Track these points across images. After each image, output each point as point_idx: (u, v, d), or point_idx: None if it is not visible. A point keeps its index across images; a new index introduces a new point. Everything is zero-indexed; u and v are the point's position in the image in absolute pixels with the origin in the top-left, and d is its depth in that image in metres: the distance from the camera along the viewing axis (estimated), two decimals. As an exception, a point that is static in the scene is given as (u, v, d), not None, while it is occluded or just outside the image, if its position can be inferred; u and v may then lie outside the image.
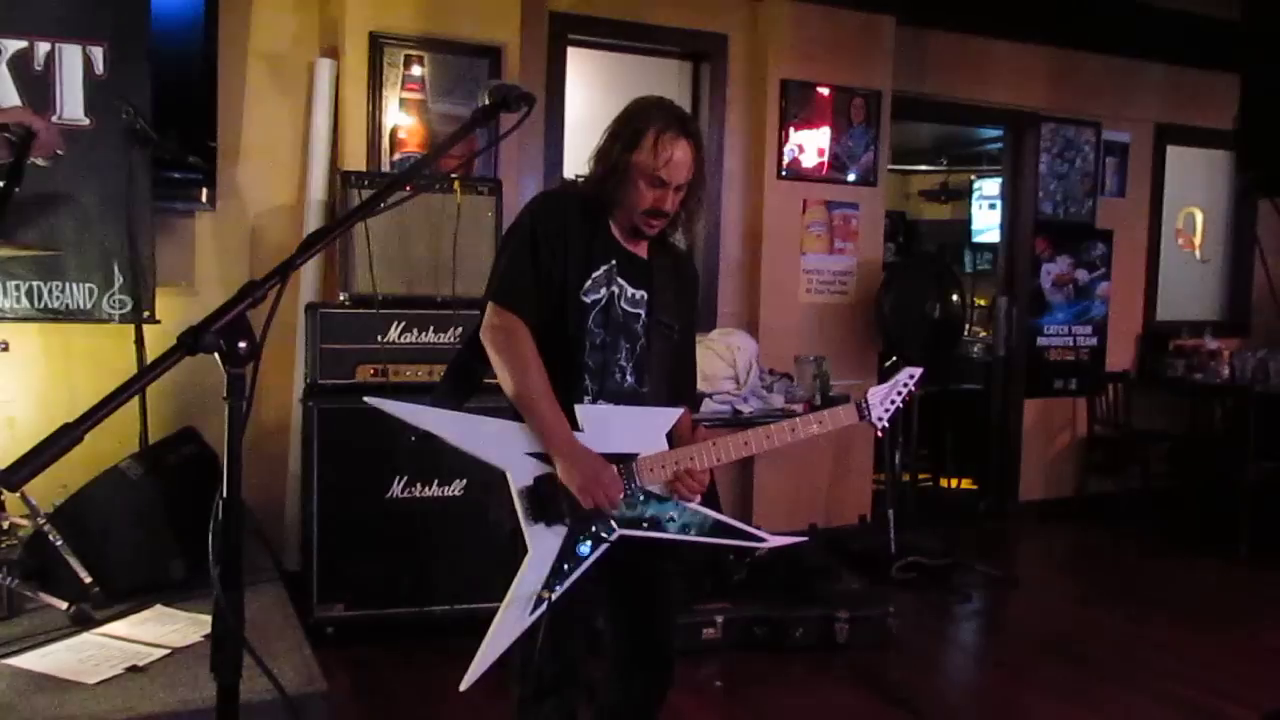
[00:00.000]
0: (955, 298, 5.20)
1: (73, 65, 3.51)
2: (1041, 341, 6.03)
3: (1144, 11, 5.76)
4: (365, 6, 4.03)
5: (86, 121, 3.53)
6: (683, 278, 2.25)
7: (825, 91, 5.09)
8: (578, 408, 2.02)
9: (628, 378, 2.11)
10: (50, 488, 3.02)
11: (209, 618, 1.35)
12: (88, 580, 2.74)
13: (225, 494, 1.29)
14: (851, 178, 5.22)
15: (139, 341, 3.54)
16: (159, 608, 2.83)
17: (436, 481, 3.59)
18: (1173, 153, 6.43)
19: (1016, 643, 4.20)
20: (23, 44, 3.46)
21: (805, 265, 5.15)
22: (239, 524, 1.30)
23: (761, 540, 2.15)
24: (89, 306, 3.56)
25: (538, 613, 1.92)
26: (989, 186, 7.63)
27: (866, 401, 2.14)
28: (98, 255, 3.55)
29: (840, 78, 5.12)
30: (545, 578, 1.94)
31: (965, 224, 8.03)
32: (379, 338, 3.59)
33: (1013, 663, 3.90)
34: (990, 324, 6.39)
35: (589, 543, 1.98)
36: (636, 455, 2.03)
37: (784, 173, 5.06)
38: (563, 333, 2.04)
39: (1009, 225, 6.13)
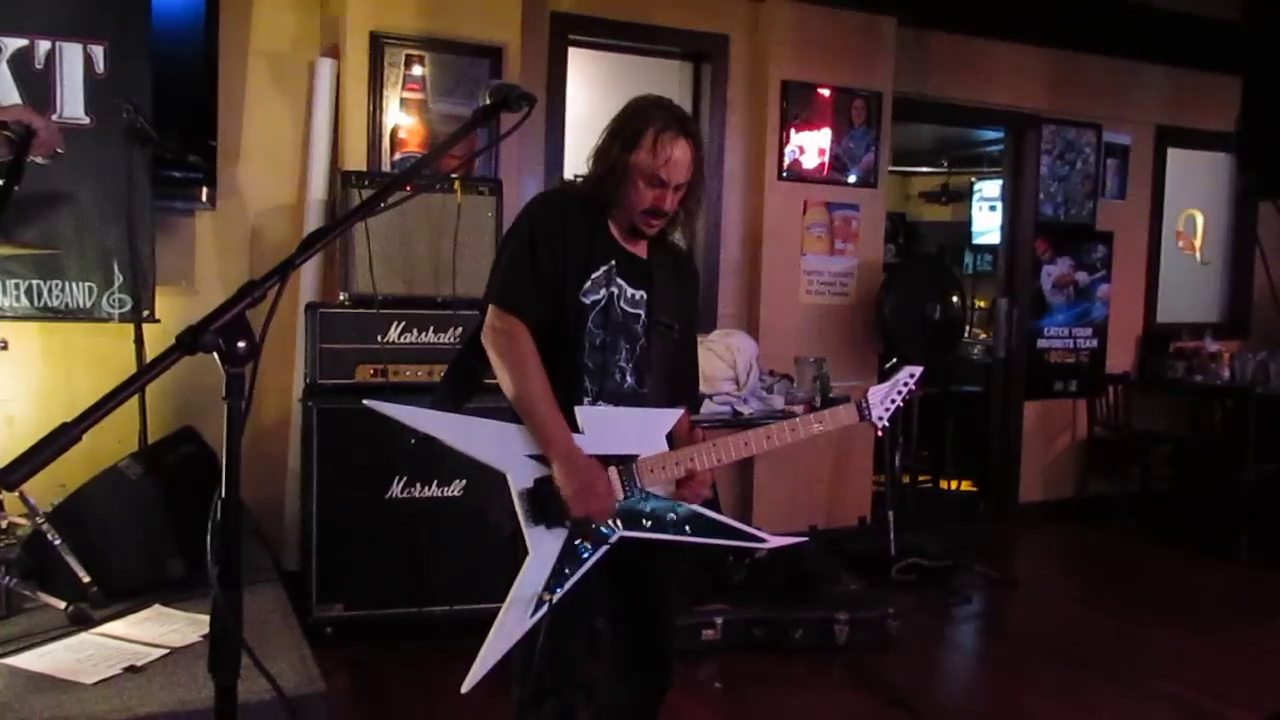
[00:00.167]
0: (955, 299, 5.20)
1: (73, 64, 3.51)
2: (1042, 343, 6.03)
3: (1144, 13, 5.76)
4: (366, 6, 4.03)
5: (87, 120, 3.53)
6: (683, 277, 2.23)
7: (826, 92, 5.09)
8: (577, 409, 2.00)
9: (627, 378, 2.10)
10: (49, 487, 3.03)
11: (207, 618, 1.35)
12: (86, 580, 2.73)
13: (224, 494, 1.29)
14: (852, 179, 5.22)
15: (138, 341, 3.54)
16: (157, 607, 2.82)
17: (436, 482, 3.59)
18: (1173, 155, 6.43)
19: (1016, 644, 4.19)
20: (23, 42, 3.46)
21: (806, 266, 5.15)
22: (238, 524, 1.30)
23: (761, 541, 2.15)
24: (88, 305, 3.56)
25: (539, 615, 1.91)
26: (989, 188, 7.62)
27: (867, 401, 2.14)
28: (97, 254, 3.55)
29: (841, 79, 5.12)
30: (546, 580, 1.93)
31: (966, 225, 8.03)
32: (379, 338, 3.59)
33: (1012, 664, 3.90)
34: (990, 326, 6.39)
35: (590, 545, 1.97)
36: (637, 456, 2.02)
37: (784, 174, 5.06)
38: (562, 333, 2.03)
39: (1009, 227, 6.13)
